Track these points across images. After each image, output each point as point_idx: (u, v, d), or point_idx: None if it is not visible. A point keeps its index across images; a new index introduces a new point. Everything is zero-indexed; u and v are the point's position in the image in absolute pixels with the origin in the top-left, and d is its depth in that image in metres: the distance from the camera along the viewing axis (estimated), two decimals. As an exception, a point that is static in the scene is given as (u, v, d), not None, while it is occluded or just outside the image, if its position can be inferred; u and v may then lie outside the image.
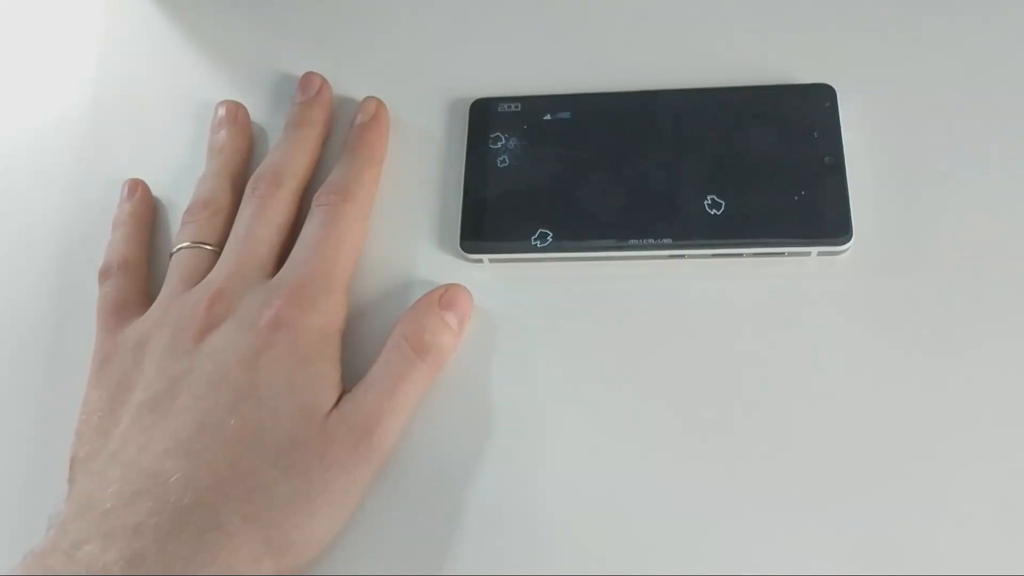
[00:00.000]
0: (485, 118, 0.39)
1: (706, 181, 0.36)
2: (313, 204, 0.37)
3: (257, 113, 0.42)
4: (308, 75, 0.41)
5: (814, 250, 0.35)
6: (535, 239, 0.36)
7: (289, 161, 0.39)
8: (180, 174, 0.41)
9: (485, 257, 0.37)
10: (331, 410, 0.33)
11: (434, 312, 0.35)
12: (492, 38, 0.42)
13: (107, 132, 0.43)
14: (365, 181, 0.38)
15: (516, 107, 0.39)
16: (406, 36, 0.43)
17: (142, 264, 0.39)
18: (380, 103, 0.40)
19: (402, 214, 0.39)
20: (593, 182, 0.37)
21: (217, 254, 0.37)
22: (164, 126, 0.43)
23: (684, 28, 0.41)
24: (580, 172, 0.37)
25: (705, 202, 0.36)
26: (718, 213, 0.36)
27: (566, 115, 0.39)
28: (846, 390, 0.33)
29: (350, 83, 0.42)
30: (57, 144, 0.43)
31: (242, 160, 0.40)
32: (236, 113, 0.41)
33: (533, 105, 0.39)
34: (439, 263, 0.38)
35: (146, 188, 0.41)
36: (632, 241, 0.36)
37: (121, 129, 0.43)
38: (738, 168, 0.36)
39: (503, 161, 0.38)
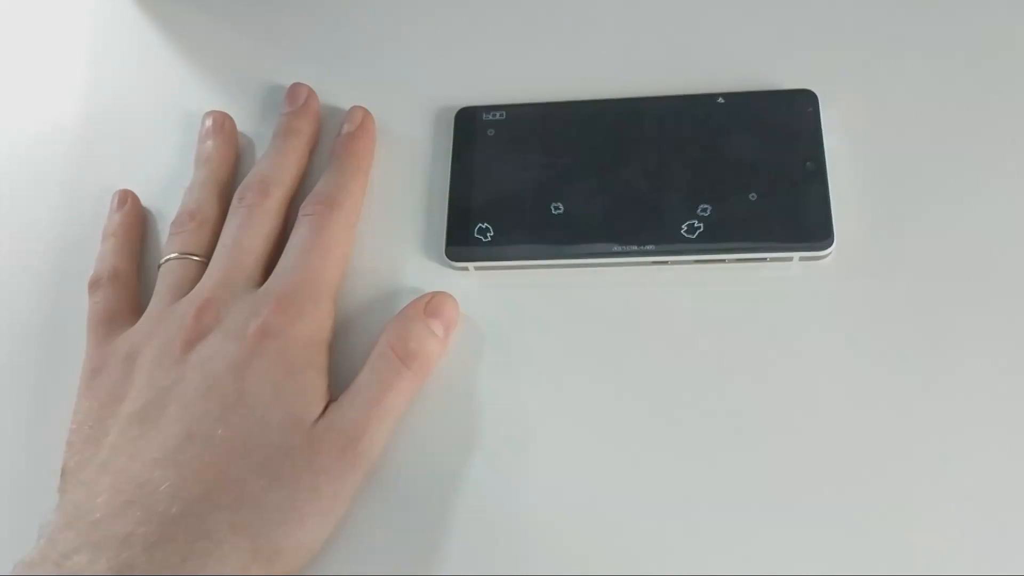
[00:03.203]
0: (470, 127, 0.40)
1: (689, 187, 0.36)
2: (300, 213, 0.37)
3: (245, 123, 0.42)
4: (295, 85, 0.42)
5: (796, 255, 0.35)
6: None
7: (276, 171, 0.39)
8: (170, 184, 0.41)
9: (471, 265, 0.37)
10: (318, 418, 0.33)
11: (420, 320, 0.35)
12: (477, 47, 0.42)
13: (96, 143, 0.44)
14: (352, 190, 0.38)
15: (501, 115, 0.40)
16: (392, 46, 0.43)
17: (132, 275, 0.39)
18: (367, 112, 0.41)
19: (388, 222, 0.39)
20: (578, 189, 0.37)
21: (205, 265, 0.37)
22: (154, 136, 0.43)
23: (667, 36, 0.41)
24: (565, 180, 0.38)
25: (688, 208, 0.36)
26: (701, 219, 0.36)
27: (551, 123, 0.39)
28: (828, 393, 0.33)
29: (337, 93, 0.42)
30: (47, 155, 0.44)
31: (229, 170, 0.41)
32: (223, 123, 0.41)
33: (518, 113, 0.40)
34: (425, 271, 0.38)
35: (136, 199, 0.41)
36: (616, 248, 0.36)
37: (110, 140, 0.44)
38: (720, 174, 0.37)
39: (488, 169, 0.39)
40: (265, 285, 0.36)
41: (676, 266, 0.36)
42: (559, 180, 0.38)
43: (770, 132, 0.37)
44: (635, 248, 0.36)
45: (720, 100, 0.38)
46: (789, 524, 0.32)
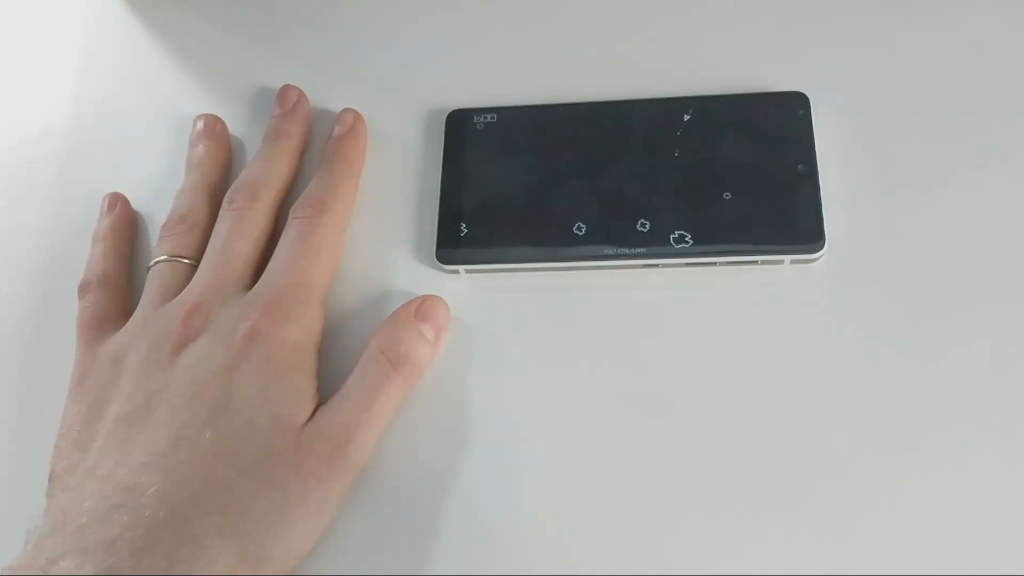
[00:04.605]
0: (461, 129, 0.39)
1: (680, 189, 0.36)
2: (290, 217, 0.37)
3: (236, 126, 0.42)
4: (286, 88, 0.41)
5: (787, 258, 0.35)
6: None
7: (266, 174, 0.39)
8: (161, 187, 0.41)
9: (461, 268, 0.37)
10: (307, 422, 0.33)
11: (411, 324, 0.35)
12: (468, 50, 0.42)
13: (87, 145, 0.44)
14: (342, 193, 0.38)
15: (492, 118, 0.39)
16: (384, 48, 0.43)
17: (121, 278, 0.39)
18: (358, 115, 0.41)
19: (379, 225, 0.39)
20: (570, 192, 0.37)
21: (194, 268, 0.37)
22: (144, 139, 0.43)
23: (658, 38, 0.41)
24: (556, 182, 0.38)
25: (679, 211, 0.36)
26: (692, 221, 0.36)
27: (543, 125, 0.39)
28: (820, 396, 0.33)
29: (328, 96, 0.42)
30: (37, 157, 0.44)
31: (220, 173, 0.41)
32: (214, 126, 0.41)
33: (509, 116, 0.39)
34: (416, 274, 0.38)
35: (126, 202, 0.41)
36: (607, 251, 0.36)
37: (101, 143, 0.43)
38: (711, 175, 0.37)
39: (479, 172, 0.38)
40: (254, 289, 0.36)
41: (667, 269, 0.36)
42: (551, 182, 0.38)
43: (762, 134, 0.37)
44: (627, 251, 0.36)
45: (710, 103, 0.38)
46: (781, 525, 0.32)
